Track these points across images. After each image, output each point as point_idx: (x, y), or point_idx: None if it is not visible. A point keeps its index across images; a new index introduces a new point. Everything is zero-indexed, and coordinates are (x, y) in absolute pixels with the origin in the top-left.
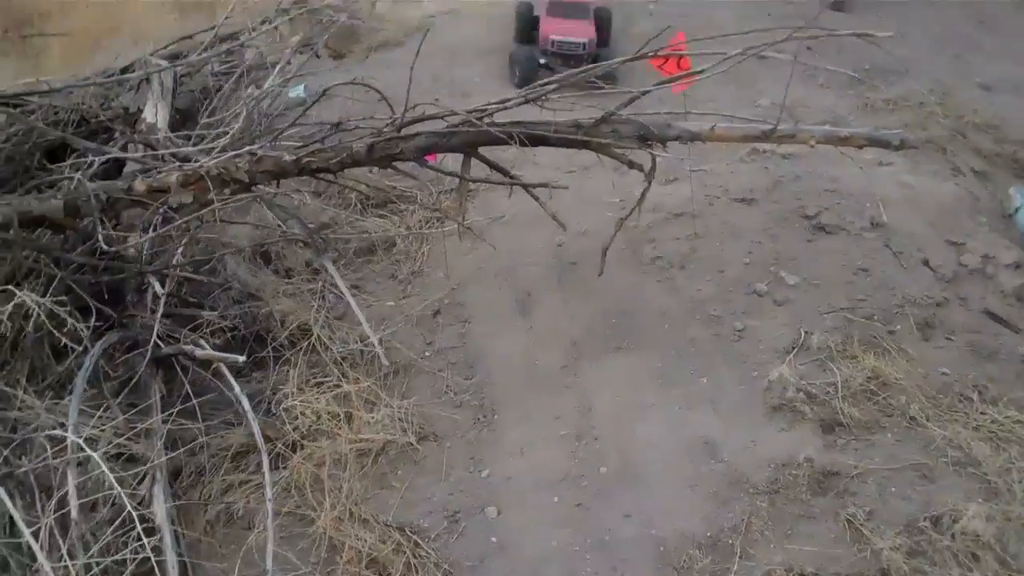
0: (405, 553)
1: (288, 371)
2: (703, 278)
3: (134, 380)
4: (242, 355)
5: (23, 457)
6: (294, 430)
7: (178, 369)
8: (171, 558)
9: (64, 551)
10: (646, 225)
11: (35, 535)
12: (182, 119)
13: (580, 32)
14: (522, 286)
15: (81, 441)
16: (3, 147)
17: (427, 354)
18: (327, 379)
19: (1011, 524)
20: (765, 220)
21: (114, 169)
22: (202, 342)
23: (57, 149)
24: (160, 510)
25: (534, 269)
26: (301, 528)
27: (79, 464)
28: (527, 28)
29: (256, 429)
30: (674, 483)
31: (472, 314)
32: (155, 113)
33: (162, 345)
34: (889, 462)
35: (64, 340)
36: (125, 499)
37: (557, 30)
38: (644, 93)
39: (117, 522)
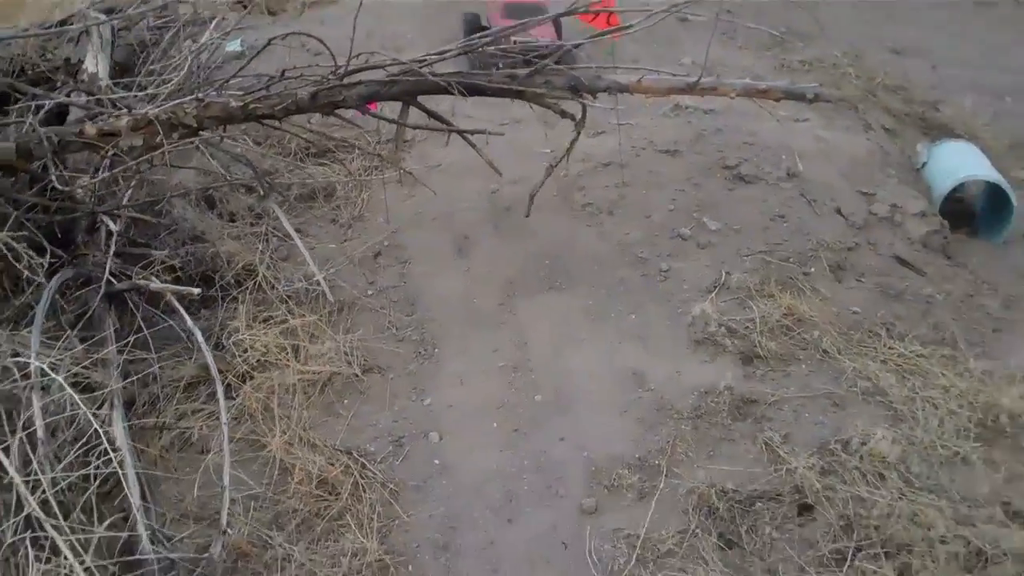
0: (353, 474)
1: (236, 308)
2: (631, 223)
3: (88, 314)
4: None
5: None
6: (244, 362)
7: (130, 304)
8: (132, 474)
9: (34, 466)
10: (576, 174)
11: (5, 452)
12: (120, 71)
13: (539, 34)
14: (459, 230)
15: (45, 366)
16: None
17: (370, 293)
18: (274, 315)
19: (914, 447)
20: (688, 170)
21: (56, 117)
22: (154, 279)
23: None
24: (119, 432)
25: (470, 214)
26: (253, 453)
27: (42, 388)
28: None
29: (209, 358)
30: (605, 410)
31: (412, 256)
32: (96, 64)
33: (115, 281)
34: (803, 391)
35: (21, 275)
36: (91, 417)
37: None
38: (576, 46)
39: (80, 442)
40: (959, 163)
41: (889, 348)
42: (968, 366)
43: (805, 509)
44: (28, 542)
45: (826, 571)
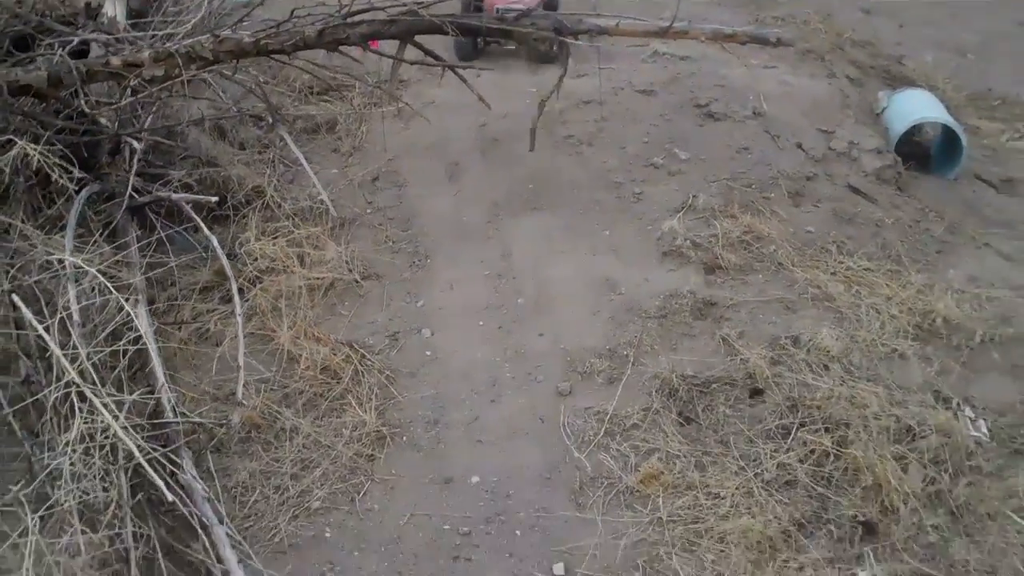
0: (353, 362)
1: (245, 223)
2: (608, 153)
3: (113, 224)
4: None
5: (26, 276)
6: (254, 269)
7: (150, 218)
8: (155, 355)
9: (72, 341)
10: (558, 110)
11: (46, 330)
12: (135, 16)
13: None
14: (450, 158)
15: (79, 260)
16: None
17: (368, 211)
18: (281, 229)
19: (856, 344)
20: (662, 108)
21: (77, 55)
22: (174, 193)
23: (20, 40)
24: (143, 322)
25: (460, 144)
26: (263, 345)
27: (75, 281)
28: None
29: (224, 261)
30: (580, 310)
31: (407, 180)
32: (114, 8)
33: (137, 196)
34: (759, 296)
35: (53, 189)
36: (121, 302)
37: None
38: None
39: (110, 327)
40: (916, 107)
41: (839, 262)
42: (910, 279)
43: (756, 393)
44: (75, 397)
45: (772, 442)
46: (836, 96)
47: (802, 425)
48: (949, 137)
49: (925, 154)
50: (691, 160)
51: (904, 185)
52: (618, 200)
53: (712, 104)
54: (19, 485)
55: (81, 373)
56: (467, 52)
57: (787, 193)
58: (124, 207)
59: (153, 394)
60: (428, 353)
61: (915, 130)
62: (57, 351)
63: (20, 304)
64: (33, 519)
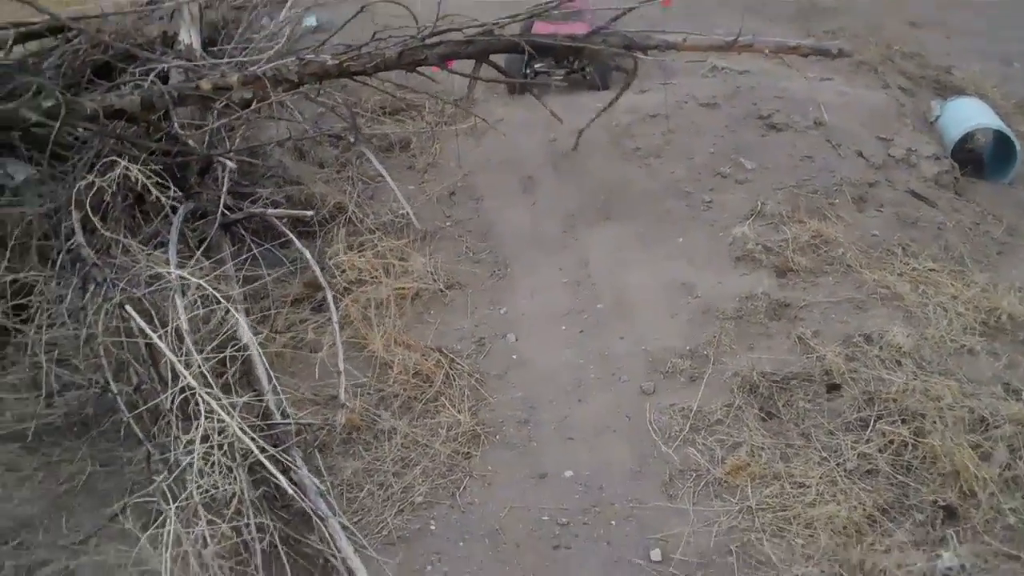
0: (444, 367)
1: (331, 238)
2: (675, 164)
3: (207, 241)
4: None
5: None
6: (343, 280)
7: (241, 233)
8: (259, 361)
9: (184, 348)
10: (626, 124)
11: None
12: (207, 45)
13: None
14: (524, 172)
15: (185, 273)
16: (61, 63)
17: (447, 224)
18: (366, 243)
19: (926, 341)
20: (726, 119)
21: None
22: (268, 208)
23: (101, 68)
24: (244, 331)
25: (533, 159)
26: (356, 352)
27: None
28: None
29: (317, 271)
30: (658, 314)
31: (483, 193)
32: (189, 36)
33: (228, 213)
34: (830, 297)
35: (152, 204)
36: (229, 307)
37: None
38: (629, 10)
39: (217, 337)
40: (969, 114)
41: (904, 264)
42: (974, 279)
43: (833, 388)
44: (198, 398)
45: (851, 434)
46: (892, 105)
47: (879, 417)
48: (1001, 143)
49: (979, 160)
50: (757, 169)
51: (962, 190)
52: (688, 208)
53: (774, 115)
54: (161, 477)
55: (195, 378)
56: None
57: (851, 199)
58: (217, 224)
59: (259, 398)
60: (514, 357)
61: (967, 137)
62: (172, 357)
63: (133, 314)
64: (170, 508)
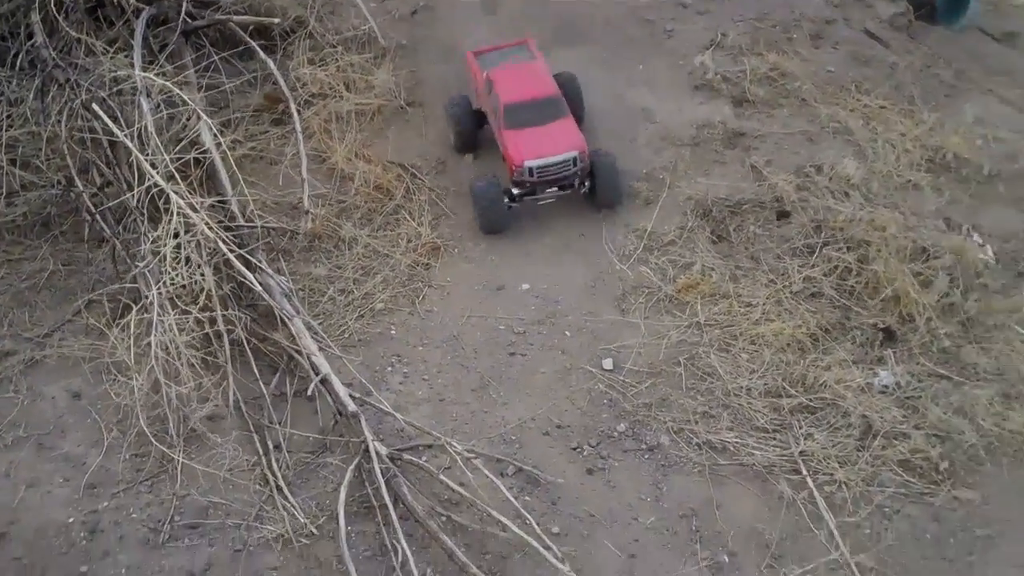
0: (404, 181)
1: (291, 52)
2: None
3: (168, 47)
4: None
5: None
6: (304, 93)
7: (202, 42)
8: (221, 166)
9: (149, 149)
10: None
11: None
12: None
13: (564, 142)
14: None
15: (151, 76)
16: None
17: (409, 41)
18: (327, 57)
19: (874, 175)
20: None
21: None
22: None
23: None
24: (207, 136)
25: None
26: (317, 165)
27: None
28: (470, 131)
29: (282, 82)
30: (618, 136)
31: (444, 14)
32: None
33: (191, 21)
34: (784, 128)
35: (116, 5)
36: (198, 111)
37: (532, 151)
38: None
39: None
40: None
41: (857, 100)
42: (922, 118)
43: (783, 215)
44: (166, 197)
45: (799, 259)
46: None
47: (826, 244)
48: None
49: (932, 5)
50: (718, 0)
51: (914, 33)
52: (650, 36)
53: None
54: (144, 263)
55: (162, 178)
56: (495, 218)
57: (808, 35)
58: (179, 30)
59: (223, 201)
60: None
61: None
62: (139, 156)
63: (100, 113)
64: (148, 295)
